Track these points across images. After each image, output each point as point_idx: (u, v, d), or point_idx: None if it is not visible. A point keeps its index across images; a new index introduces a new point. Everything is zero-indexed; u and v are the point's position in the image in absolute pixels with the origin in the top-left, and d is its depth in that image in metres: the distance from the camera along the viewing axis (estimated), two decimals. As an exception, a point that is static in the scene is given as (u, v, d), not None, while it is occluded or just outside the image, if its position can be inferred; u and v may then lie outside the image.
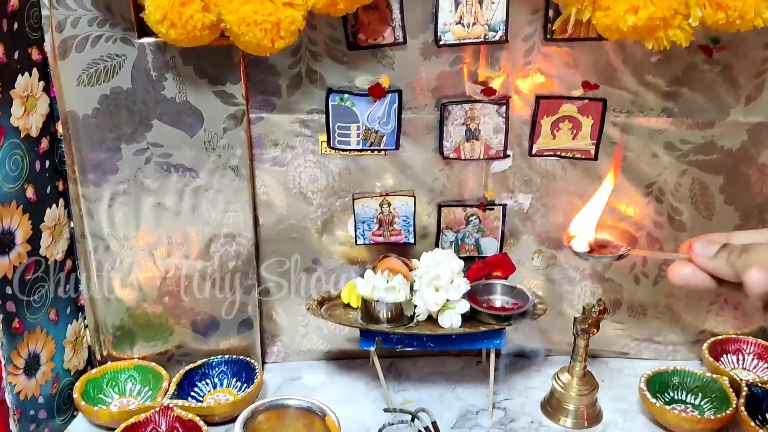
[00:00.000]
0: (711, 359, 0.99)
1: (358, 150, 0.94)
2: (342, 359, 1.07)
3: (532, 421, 0.94)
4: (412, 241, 0.99)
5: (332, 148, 0.94)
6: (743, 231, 0.55)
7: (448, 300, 0.88)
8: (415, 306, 0.89)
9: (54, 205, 0.90)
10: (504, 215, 0.98)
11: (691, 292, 1.00)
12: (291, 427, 0.85)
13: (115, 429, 0.87)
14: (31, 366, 0.88)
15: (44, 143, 0.87)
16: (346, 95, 0.91)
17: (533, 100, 0.91)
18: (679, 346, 1.05)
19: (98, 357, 1.01)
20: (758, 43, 0.87)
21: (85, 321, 0.99)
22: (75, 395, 0.94)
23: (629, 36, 0.79)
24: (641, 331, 1.05)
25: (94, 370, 0.99)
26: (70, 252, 0.95)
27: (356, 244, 0.99)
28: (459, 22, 0.87)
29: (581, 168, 0.95)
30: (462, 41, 0.87)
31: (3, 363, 0.84)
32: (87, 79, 0.87)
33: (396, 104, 0.91)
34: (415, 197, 0.96)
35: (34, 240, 0.86)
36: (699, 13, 0.76)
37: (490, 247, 1.00)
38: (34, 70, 0.84)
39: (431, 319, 0.90)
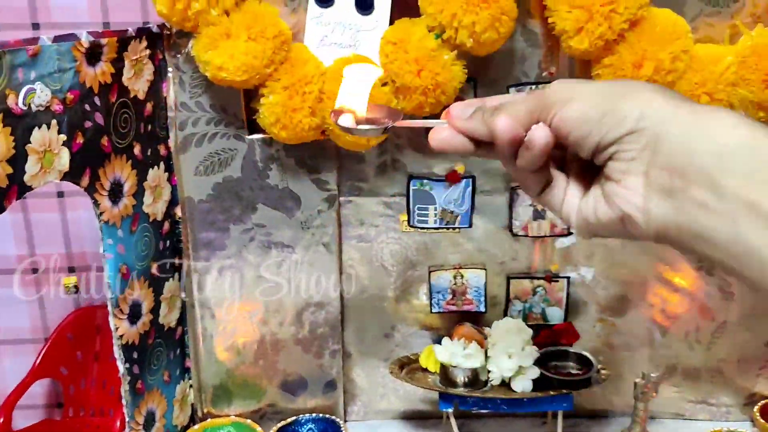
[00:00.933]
0: (762, 421, 1.06)
1: (434, 228, 1.05)
2: (417, 419, 1.16)
3: (597, 479, 1.02)
4: (483, 309, 1.09)
5: (412, 227, 1.05)
6: (499, 95, 0.56)
7: (520, 366, 0.97)
8: (490, 371, 0.99)
9: (171, 279, 1.03)
10: (568, 287, 1.08)
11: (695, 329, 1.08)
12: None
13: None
14: (149, 423, 0.99)
15: (166, 225, 1.00)
16: (425, 180, 1.03)
17: (593, 185, 1.02)
18: (732, 408, 1.12)
19: (199, 414, 1.12)
20: None
21: (191, 381, 1.10)
22: (182, 449, 1.05)
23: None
24: (695, 394, 1.12)
25: (196, 426, 1.10)
26: (182, 319, 1.07)
27: (431, 312, 1.10)
28: (527, 118, 0.98)
29: (638, 243, 1.04)
30: (529, 134, 0.99)
31: (127, 420, 0.96)
32: (203, 169, 1.00)
33: (470, 188, 1.03)
34: (486, 270, 1.07)
35: (155, 310, 0.99)
36: (742, 113, 0.87)
37: (555, 315, 1.09)
38: (161, 164, 0.98)
39: (504, 383, 1.00)
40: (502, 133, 0.50)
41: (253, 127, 0.98)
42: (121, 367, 0.92)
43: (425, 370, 1.05)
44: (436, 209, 1.04)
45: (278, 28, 0.89)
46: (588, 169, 0.51)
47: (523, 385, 0.97)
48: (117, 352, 0.91)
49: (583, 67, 0.94)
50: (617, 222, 0.49)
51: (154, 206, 0.96)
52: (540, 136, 0.49)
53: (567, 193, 0.53)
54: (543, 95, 0.50)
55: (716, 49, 0.90)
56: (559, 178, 0.54)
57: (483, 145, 0.53)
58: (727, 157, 0.42)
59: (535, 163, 0.51)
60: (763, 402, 1.09)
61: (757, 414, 1.07)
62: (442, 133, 0.54)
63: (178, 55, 0.95)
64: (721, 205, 0.42)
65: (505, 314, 1.10)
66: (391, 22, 0.92)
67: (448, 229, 1.05)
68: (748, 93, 0.87)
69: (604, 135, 0.47)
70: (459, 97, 0.95)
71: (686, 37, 0.88)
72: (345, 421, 1.16)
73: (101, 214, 0.85)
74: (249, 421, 1.10)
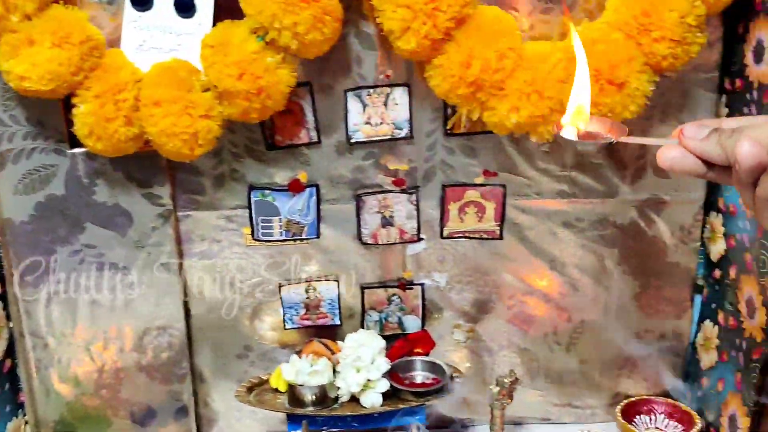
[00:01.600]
0: (623, 421, 1.05)
1: (281, 240, 1.00)
2: (278, 440, 1.11)
3: (458, 491, 0.99)
4: (338, 322, 1.05)
5: (257, 240, 1.00)
6: (735, 117, 0.55)
7: (368, 380, 0.94)
8: (338, 388, 0.95)
9: (-8, 308, 0.95)
10: (423, 294, 1.05)
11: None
12: None
13: None
14: (-31, 466, 0.91)
15: (-19, 250, 0.92)
16: (267, 191, 0.98)
17: (440, 188, 0.99)
18: (597, 409, 1.12)
19: (38, 452, 1.04)
20: (638, 127, 0.97)
21: (26, 417, 1.02)
22: (14, 493, 0.96)
23: (515, 130, 0.89)
24: (560, 397, 1.11)
25: (34, 466, 1.02)
26: (10, 351, 0.99)
27: (285, 329, 1.05)
28: (367, 122, 0.95)
29: (489, 247, 1.03)
30: (371, 138, 0.96)
31: (-61, 466, 0.87)
32: (23, 188, 0.93)
33: (315, 197, 0.99)
34: (338, 281, 1.03)
35: (-29, 342, 0.90)
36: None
37: (412, 324, 1.06)
38: (-30, 183, 0.90)
39: (355, 399, 0.96)
40: (745, 159, 0.47)
41: (75, 140, 0.91)
42: (-74, 408, 0.83)
43: (276, 390, 1.00)
44: (280, 220, 1.00)
45: (86, 33, 0.84)
46: None
47: (372, 400, 0.94)
48: None
49: (420, 69, 0.92)
50: None
51: (-38, 230, 0.88)
52: None
53: None
54: None
55: (545, 46, 0.89)
56: None
57: (716, 168, 0.51)
58: None
59: None
60: (624, 402, 1.08)
61: (619, 414, 1.06)
62: (672, 152, 0.52)
63: (-15, 66, 0.87)
64: None
65: (362, 326, 1.06)
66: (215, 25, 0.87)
67: (295, 240, 1.01)
68: (577, 89, 0.86)
69: None
70: (297, 104, 0.92)
71: (513, 34, 0.86)
72: (202, 448, 1.09)
73: None
74: (93, 456, 1.03)
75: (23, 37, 0.82)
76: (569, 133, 0.58)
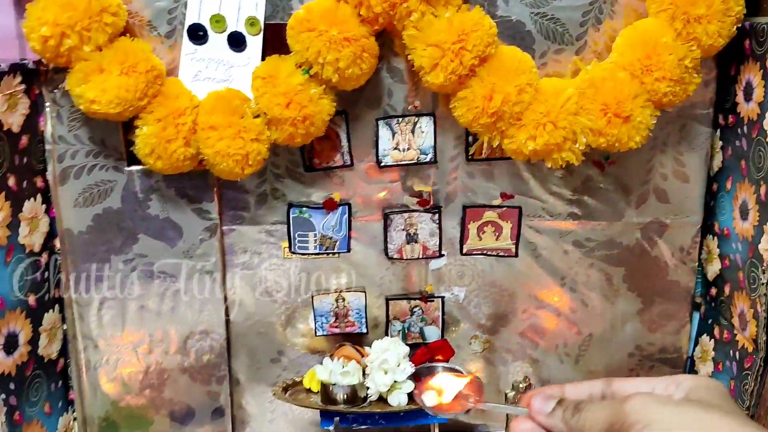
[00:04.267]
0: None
1: (315, 254, 1.10)
2: (306, 442, 1.19)
3: (474, 489, 1.07)
4: (364, 330, 1.13)
5: (293, 253, 1.09)
6: (576, 382, 0.57)
7: (395, 381, 1.02)
8: (368, 388, 1.03)
9: (51, 311, 1.03)
10: (443, 306, 1.14)
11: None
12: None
13: None
14: (27, 456, 0.99)
15: (44, 257, 1.01)
16: (304, 208, 1.07)
17: (461, 209, 1.09)
18: (602, 417, 1.20)
19: (84, 447, 1.12)
20: (641, 157, 1.07)
21: (74, 414, 1.10)
22: (64, 482, 1.04)
23: (532, 157, 0.99)
24: (568, 405, 1.19)
25: (80, 459, 1.10)
26: (63, 351, 1.07)
27: (316, 336, 1.14)
28: (396, 148, 1.05)
29: (505, 263, 1.12)
30: (399, 162, 1.06)
31: (3, 453, 0.95)
32: (83, 201, 1.02)
33: (346, 215, 1.08)
34: (365, 292, 1.12)
35: (33, 341, 0.99)
36: (584, 139, 0.96)
37: (432, 334, 1.15)
38: (38, 196, 0.99)
39: (382, 399, 1.04)
40: None
41: (133, 159, 1.01)
42: (-4, 398, 0.92)
43: (309, 391, 1.08)
44: (315, 235, 1.09)
45: (150, 63, 0.94)
46: None
47: (398, 399, 1.02)
48: (-9, 384, 0.91)
49: (445, 100, 1.02)
50: None
51: (31, 238, 0.98)
52: None
53: None
54: (623, 411, 0.49)
55: (559, 83, 0.99)
56: None
57: None
58: None
59: None
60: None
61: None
62: (523, 426, 0.55)
63: (56, 90, 0.98)
64: None
65: (386, 334, 1.15)
66: (264, 59, 0.98)
67: (327, 254, 1.10)
68: (587, 121, 0.96)
69: None
70: (333, 131, 1.02)
71: (531, 72, 0.96)
72: (235, 448, 1.17)
73: (-28, 245, 0.86)
74: (135, 451, 1.11)
75: (94, 66, 0.92)
76: (430, 399, 0.64)
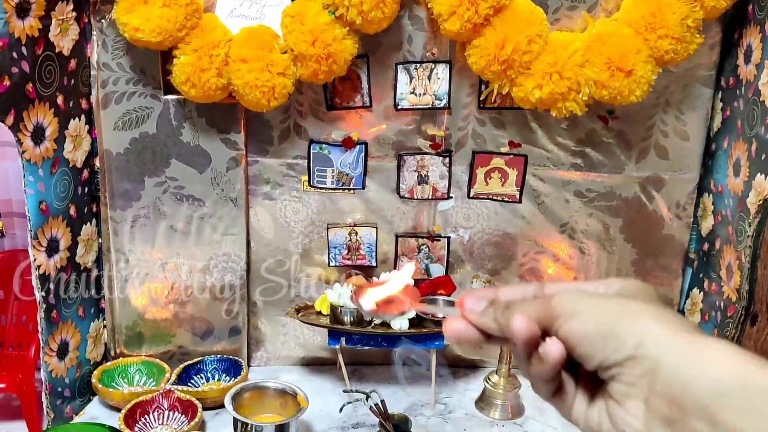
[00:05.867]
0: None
1: (332, 188, 1.18)
2: (315, 365, 1.28)
3: (466, 413, 1.15)
4: (374, 264, 1.22)
5: (312, 186, 1.18)
6: (510, 285, 0.57)
7: (398, 307, 1.10)
8: (372, 312, 1.12)
9: (89, 223, 1.13)
10: (448, 245, 1.22)
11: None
12: (269, 404, 1.06)
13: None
14: (62, 351, 1.09)
15: (85, 173, 1.11)
16: (324, 145, 1.16)
17: (470, 154, 1.16)
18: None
19: (112, 353, 1.22)
20: (644, 114, 1.13)
21: (104, 321, 1.21)
22: (93, 380, 1.14)
23: (538, 106, 1.05)
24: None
25: (108, 363, 1.20)
26: (98, 262, 1.17)
27: (329, 266, 1.22)
28: (413, 92, 1.12)
29: (509, 209, 1.19)
30: (415, 107, 1.13)
31: (42, 345, 1.06)
32: (122, 125, 1.12)
33: (363, 153, 1.16)
34: (377, 228, 1.20)
35: (72, 249, 1.09)
36: (587, 91, 1.03)
37: (437, 271, 1.23)
38: (82, 116, 1.09)
39: (385, 324, 1.12)
40: (519, 333, 0.50)
41: (169, 88, 1.10)
42: (38, 294, 1.02)
43: (319, 313, 1.17)
44: (333, 171, 1.17)
45: (190, -3, 1.02)
46: (595, 378, 0.50)
47: (400, 324, 1.10)
48: (34, 281, 1.01)
49: (461, 49, 1.09)
50: None
51: (74, 154, 1.07)
52: (554, 350, 0.49)
53: (576, 401, 0.52)
54: (549, 305, 0.50)
55: (568, 36, 1.05)
56: (569, 383, 0.53)
57: (495, 338, 0.53)
58: (723, 393, 0.43)
59: (548, 374, 0.51)
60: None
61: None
62: (456, 324, 0.54)
63: (102, 20, 1.06)
64: None
65: (394, 269, 1.23)
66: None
67: (343, 189, 1.19)
68: (592, 73, 1.02)
69: (606, 357, 0.47)
70: (355, 73, 1.09)
71: (542, 24, 1.03)
72: (249, 366, 1.27)
73: (24, 152, 0.96)
74: (158, 360, 1.21)
75: (140, -2, 1.00)
76: (367, 303, 0.61)
